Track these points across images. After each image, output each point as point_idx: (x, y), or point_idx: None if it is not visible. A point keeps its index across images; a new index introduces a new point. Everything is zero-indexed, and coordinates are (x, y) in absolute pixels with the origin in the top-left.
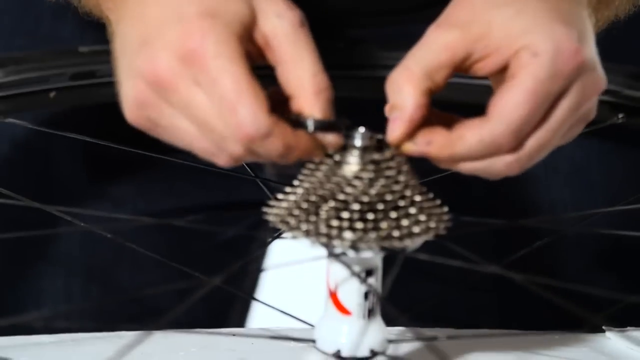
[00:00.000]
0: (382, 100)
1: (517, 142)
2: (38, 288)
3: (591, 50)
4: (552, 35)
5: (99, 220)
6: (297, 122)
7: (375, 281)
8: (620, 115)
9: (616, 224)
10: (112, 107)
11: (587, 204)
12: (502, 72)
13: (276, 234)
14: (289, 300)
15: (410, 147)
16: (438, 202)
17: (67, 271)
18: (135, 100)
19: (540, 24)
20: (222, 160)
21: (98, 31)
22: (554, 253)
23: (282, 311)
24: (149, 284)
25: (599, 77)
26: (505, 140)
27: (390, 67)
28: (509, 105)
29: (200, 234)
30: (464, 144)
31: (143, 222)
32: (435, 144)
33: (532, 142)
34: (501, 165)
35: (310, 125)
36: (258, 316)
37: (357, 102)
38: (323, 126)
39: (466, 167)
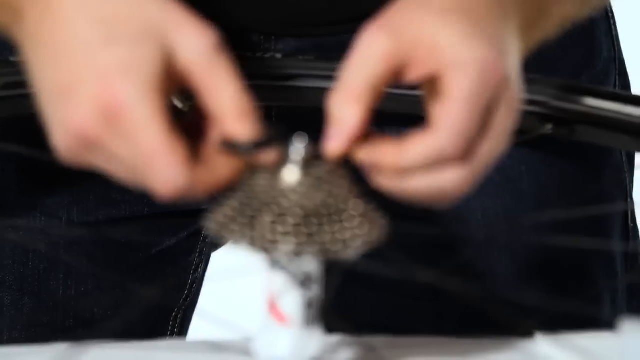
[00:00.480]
0: (313, 109)
1: (464, 151)
2: None
3: (511, 66)
4: (477, 50)
5: (32, 231)
6: (230, 146)
7: (314, 290)
8: (549, 126)
9: (545, 232)
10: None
11: (517, 213)
12: (428, 83)
13: (216, 243)
14: (228, 311)
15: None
16: (377, 210)
17: None
18: (66, 150)
19: (466, 39)
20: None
21: None
22: (486, 261)
23: (221, 322)
24: (84, 294)
25: (517, 93)
26: (453, 147)
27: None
28: (450, 115)
29: (137, 244)
30: (410, 152)
31: (77, 233)
32: (380, 155)
33: (482, 150)
34: (451, 178)
35: (245, 148)
36: (197, 328)
37: (289, 111)
38: (259, 144)
39: (412, 185)
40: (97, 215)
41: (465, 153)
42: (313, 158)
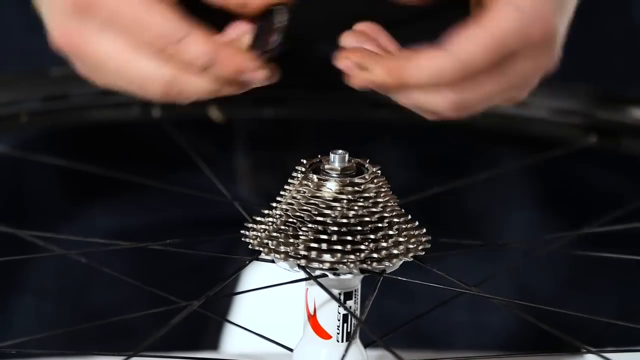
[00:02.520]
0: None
1: (462, 80)
2: (9, 313)
3: (561, 27)
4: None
5: (72, 244)
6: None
7: (354, 304)
8: (593, 138)
9: (588, 246)
10: (82, 129)
11: (559, 226)
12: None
13: (254, 256)
14: (265, 323)
15: (362, 75)
16: (416, 223)
17: (39, 295)
18: (61, 26)
19: None
20: (154, 85)
21: None
22: (527, 274)
23: (259, 335)
24: (122, 303)
25: (554, 55)
26: (452, 73)
27: None
28: (468, 43)
29: (175, 253)
30: (415, 69)
31: (119, 245)
32: (386, 67)
33: (484, 86)
34: (441, 100)
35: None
36: (233, 340)
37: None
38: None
39: (408, 98)
40: (134, 222)
41: (462, 80)
42: (354, 169)
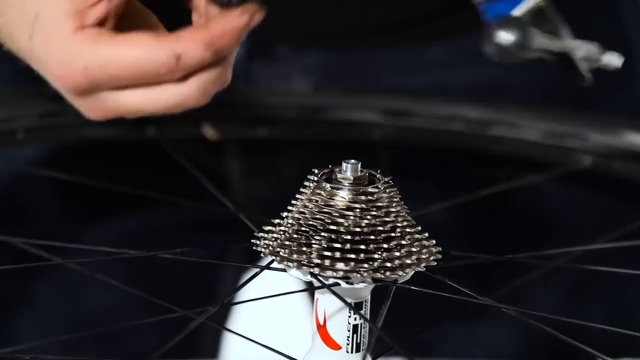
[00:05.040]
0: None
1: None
2: (9, 322)
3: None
4: None
5: (75, 252)
6: None
7: (364, 314)
8: (588, 160)
9: (596, 259)
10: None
11: (552, 245)
12: None
13: (267, 264)
14: (268, 333)
15: None
16: (426, 234)
17: (37, 301)
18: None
19: None
20: (188, 103)
21: None
22: (540, 286)
23: (264, 345)
24: (117, 306)
25: None
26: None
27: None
28: None
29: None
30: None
31: (127, 254)
32: None
33: None
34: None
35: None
36: (234, 349)
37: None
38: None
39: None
40: (131, 225)
41: None
42: (367, 178)
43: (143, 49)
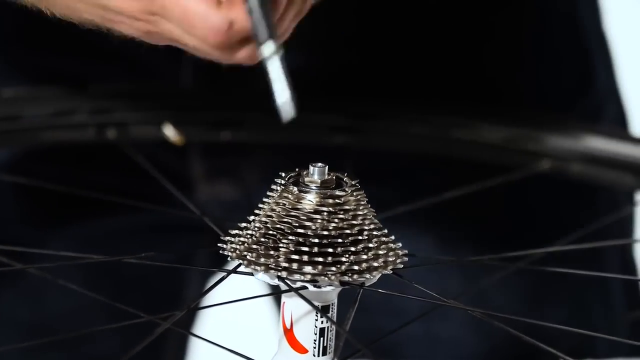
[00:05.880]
0: None
1: None
2: None
3: None
4: None
5: (39, 257)
6: None
7: (332, 317)
8: (546, 163)
9: (557, 261)
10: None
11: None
12: None
13: (233, 268)
14: (233, 337)
15: None
16: (393, 237)
17: None
18: None
19: None
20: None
21: (24, 69)
22: (502, 288)
23: (230, 350)
24: (81, 312)
25: None
26: None
27: None
28: None
29: (131, 263)
30: None
31: (92, 259)
32: None
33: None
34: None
35: None
36: (200, 355)
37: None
38: None
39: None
40: (91, 231)
41: None
42: (334, 182)
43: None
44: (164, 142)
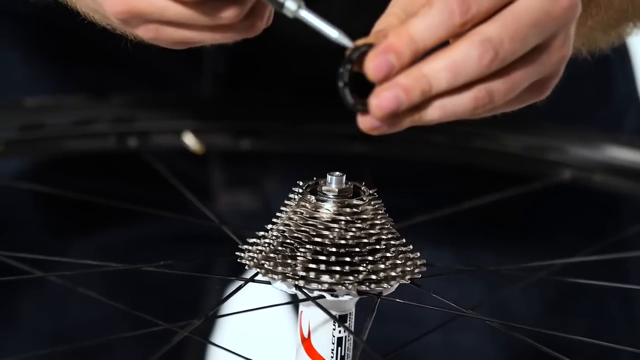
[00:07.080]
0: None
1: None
2: None
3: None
4: None
5: (58, 265)
6: None
7: (349, 327)
8: (568, 174)
9: (578, 271)
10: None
11: (532, 256)
12: None
13: (251, 276)
14: (251, 347)
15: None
16: (411, 247)
17: (21, 318)
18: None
19: None
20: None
21: (47, 78)
22: (522, 298)
23: (248, 359)
24: (101, 320)
25: (569, 43)
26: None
27: None
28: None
29: (149, 272)
30: (418, 18)
31: (111, 267)
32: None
33: (507, 77)
34: (467, 97)
35: None
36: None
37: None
38: None
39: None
40: (113, 239)
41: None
42: (351, 191)
43: None
44: (184, 151)
